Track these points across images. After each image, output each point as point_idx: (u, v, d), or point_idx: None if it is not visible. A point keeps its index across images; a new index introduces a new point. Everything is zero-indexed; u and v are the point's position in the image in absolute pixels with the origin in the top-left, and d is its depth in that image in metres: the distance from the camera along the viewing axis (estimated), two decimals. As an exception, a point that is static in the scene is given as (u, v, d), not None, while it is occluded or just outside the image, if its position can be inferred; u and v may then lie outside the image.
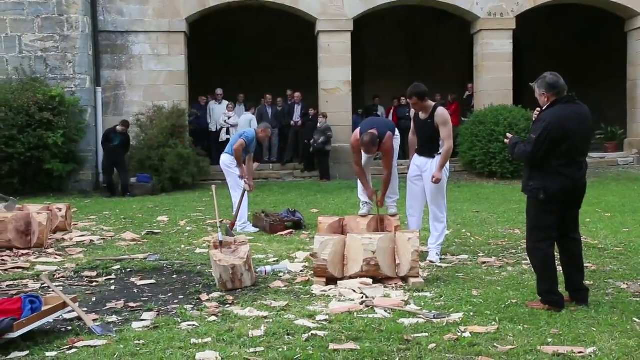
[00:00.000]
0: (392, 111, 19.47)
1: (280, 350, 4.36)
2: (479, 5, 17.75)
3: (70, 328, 5.02)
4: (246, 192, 9.64)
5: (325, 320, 5.03)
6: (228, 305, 5.59)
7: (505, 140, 5.64)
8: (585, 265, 6.77)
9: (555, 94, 5.31)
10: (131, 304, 5.74)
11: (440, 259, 7.33)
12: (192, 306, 5.61)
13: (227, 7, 17.66)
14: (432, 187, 7.31)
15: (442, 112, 7.28)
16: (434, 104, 7.38)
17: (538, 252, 5.33)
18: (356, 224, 7.60)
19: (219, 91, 18.25)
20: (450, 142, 7.25)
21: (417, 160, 7.52)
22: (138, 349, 4.46)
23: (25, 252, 8.23)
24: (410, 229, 7.36)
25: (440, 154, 7.30)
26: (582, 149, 5.33)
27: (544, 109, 5.39)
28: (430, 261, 7.19)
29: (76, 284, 6.64)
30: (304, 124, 17.98)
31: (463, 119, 18.23)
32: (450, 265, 7.08)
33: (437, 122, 7.20)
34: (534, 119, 5.56)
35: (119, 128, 15.20)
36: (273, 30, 20.80)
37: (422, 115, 7.38)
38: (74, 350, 4.50)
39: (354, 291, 5.90)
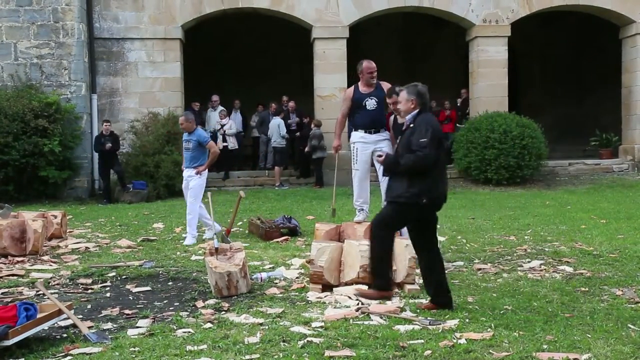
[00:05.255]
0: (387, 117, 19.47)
1: (276, 357, 4.36)
2: (474, 12, 17.81)
3: (65, 335, 5.02)
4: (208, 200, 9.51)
5: (321, 326, 5.03)
6: (224, 312, 5.59)
7: (379, 159, 5.61)
8: (580, 271, 6.83)
9: (421, 104, 5.50)
10: (126, 311, 5.73)
11: None
12: (187, 313, 5.61)
13: (223, 14, 17.69)
14: None
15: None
16: None
17: (386, 244, 5.58)
18: (353, 230, 7.60)
19: (215, 97, 18.24)
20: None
21: None
22: (133, 356, 4.46)
23: (20, 259, 8.21)
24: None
25: None
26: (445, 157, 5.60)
27: (413, 115, 5.52)
28: None
29: (71, 291, 6.63)
30: (299, 130, 18.02)
31: (458, 125, 18.26)
32: (446, 271, 7.07)
33: None
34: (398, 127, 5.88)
35: (104, 129, 15.25)
36: (269, 36, 20.83)
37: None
38: (69, 357, 4.50)
39: (350, 298, 5.90)
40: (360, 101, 7.88)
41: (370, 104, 7.78)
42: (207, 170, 9.65)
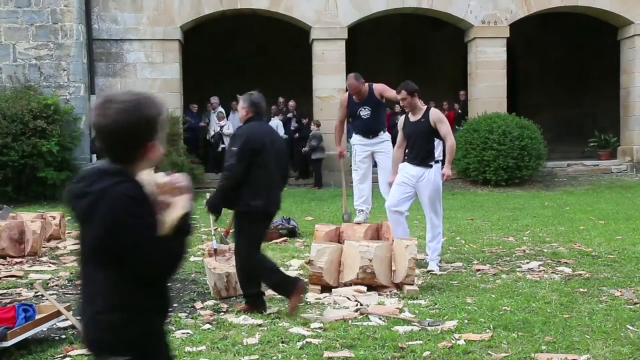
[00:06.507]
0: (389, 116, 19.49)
1: (274, 358, 4.36)
2: (473, 14, 17.81)
3: (64, 336, 5.02)
4: None
5: (320, 328, 5.03)
6: (222, 313, 5.59)
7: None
8: (579, 272, 6.83)
9: (254, 112, 5.62)
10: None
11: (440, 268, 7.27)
12: (186, 314, 5.61)
13: (222, 15, 17.69)
14: (431, 194, 7.19)
15: (436, 111, 7.26)
16: (425, 105, 7.34)
17: (255, 263, 5.53)
18: (353, 231, 7.60)
19: (214, 100, 18.22)
20: (452, 138, 7.15)
21: (411, 170, 7.26)
22: (132, 357, 4.45)
23: (18, 260, 8.21)
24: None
25: (437, 162, 7.23)
26: (275, 163, 5.58)
27: (241, 124, 5.72)
28: (431, 271, 7.10)
29: (70, 292, 6.62)
30: (297, 130, 18.03)
31: (457, 127, 18.26)
32: (445, 272, 7.07)
33: (433, 121, 7.10)
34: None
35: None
36: (268, 38, 20.84)
37: (412, 118, 7.27)
38: (68, 358, 4.50)
39: (349, 299, 5.91)
40: (354, 111, 7.95)
41: (364, 113, 7.85)
42: None
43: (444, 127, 7.13)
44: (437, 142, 7.28)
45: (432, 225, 7.35)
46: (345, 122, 8.53)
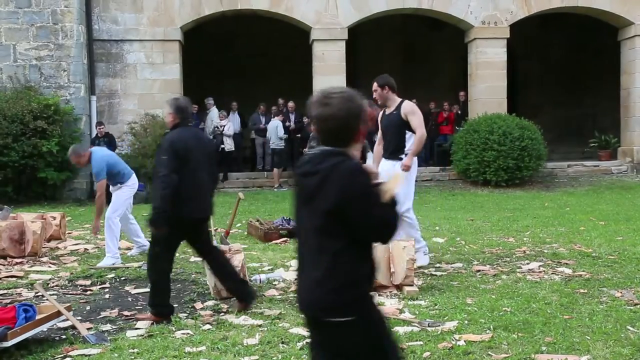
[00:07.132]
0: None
1: (274, 358, 4.37)
2: (473, 14, 17.81)
3: (64, 337, 5.02)
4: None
5: (320, 328, 5.02)
6: (222, 314, 5.59)
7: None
8: (579, 273, 6.83)
9: (180, 118, 5.60)
10: (125, 313, 5.73)
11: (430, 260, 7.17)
12: (186, 314, 5.61)
13: (222, 15, 17.69)
14: (402, 188, 6.83)
15: (409, 103, 7.14)
16: (400, 99, 7.21)
17: (162, 270, 5.51)
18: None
19: (209, 100, 18.24)
20: (423, 130, 7.03)
21: (384, 165, 7.14)
22: (132, 357, 4.46)
23: (19, 260, 8.22)
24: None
25: (407, 154, 7.08)
26: (204, 168, 5.53)
27: (167, 131, 5.72)
28: (420, 267, 7.02)
29: (70, 292, 6.63)
30: (298, 131, 18.04)
31: (457, 127, 18.27)
32: (445, 273, 7.07)
33: (404, 113, 7.00)
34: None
35: (98, 131, 15.55)
36: (268, 38, 20.84)
37: (387, 111, 7.19)
38: (68, 359, 4.50)
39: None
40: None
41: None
42: (130, 187, 9.07)
43: (415, 119, 7.00)
44: (409, 135, 7.13)
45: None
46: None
